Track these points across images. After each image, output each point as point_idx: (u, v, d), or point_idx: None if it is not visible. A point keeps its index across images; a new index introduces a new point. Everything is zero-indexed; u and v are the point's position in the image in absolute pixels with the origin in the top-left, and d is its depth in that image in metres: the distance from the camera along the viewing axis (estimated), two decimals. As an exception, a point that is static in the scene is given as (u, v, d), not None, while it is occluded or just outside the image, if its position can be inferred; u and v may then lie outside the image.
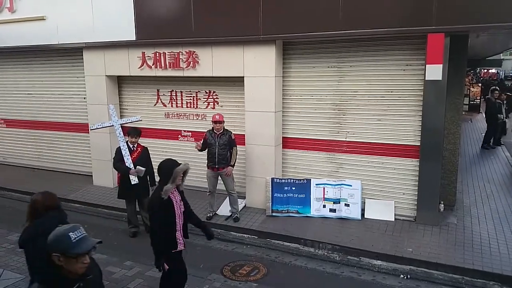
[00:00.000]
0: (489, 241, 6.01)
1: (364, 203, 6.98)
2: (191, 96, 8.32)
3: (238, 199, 7.17)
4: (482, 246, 5.85)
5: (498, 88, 14.18)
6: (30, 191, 8.78)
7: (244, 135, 7.49)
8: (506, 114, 12.96)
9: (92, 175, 9.18)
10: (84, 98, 9.12)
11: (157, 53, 7.89)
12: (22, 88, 10.30)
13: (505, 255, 5.58)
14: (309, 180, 7.15)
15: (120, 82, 8.93)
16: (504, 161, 10.93)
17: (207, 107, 8.20)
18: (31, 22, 9.01)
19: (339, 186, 7.00)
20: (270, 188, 7.13)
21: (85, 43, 8.50)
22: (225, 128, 6.89)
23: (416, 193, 6.59)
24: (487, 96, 12.93)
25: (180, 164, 4.01)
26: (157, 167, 4.05)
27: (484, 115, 13.25)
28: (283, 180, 7.22)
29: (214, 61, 7.44)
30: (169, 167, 3.96)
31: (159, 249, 4.01)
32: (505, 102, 13.01)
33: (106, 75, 8.55)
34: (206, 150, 6.85)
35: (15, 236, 6.65)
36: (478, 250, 5.74)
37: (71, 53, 9.17)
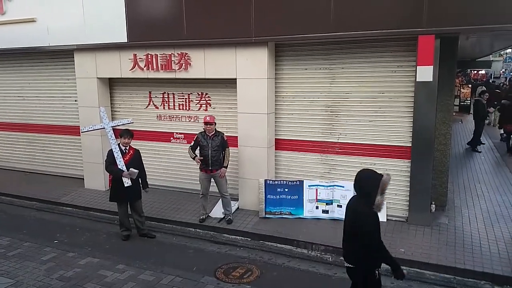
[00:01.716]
0: (480, 240, 6.06)
1: (357, 204, 7.00)
2: (183, 98, 8.30)
3: (231, 201, 7.16)
4: (473, 245, 5.90)
5: (485, 88, 14.32)
6: (21, 194, 8.74)
7: (237, 137, 7.49)
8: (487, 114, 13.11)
9: (83, 178, 9.11)
10: (75, 100, 9.06)
11: (149, 55, 7.87)
12: (13, 91, 10.21)
13: (495, 255, 5.63)
14: (301, 182, 7.16)
15: (112, 84, 8.88)
16: (494, 161, 11.04)
17: (199, 109, 8.18)
18: (21, 24, 8.93)
19: (332, 187, 7.02)
20: (263, 190, 7.13)
21: (76, 45, 8.44)
22: (217, 129, 6.88)
23: (408, 194, 6.63)
24: (476, 98, 13.01)
25: (382, 174, 3.62)
26: (356, 179, 3.68)
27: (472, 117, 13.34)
28: (276, 182, 7.22)
29: (206, 63, 7.44)
30: (375, 178, 3.56)
31: (391, 258, 3.71)
32: (485, 102, 13.16)
33: (97, 77, 8.50)
34: (199, 152, 6.83)
35: (5, 241, 6.59)
36: (469, 250, 5.79)
37: (62, 55, 9.11)
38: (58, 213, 8.01)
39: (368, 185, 3.56)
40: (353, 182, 6.93)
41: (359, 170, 3.80)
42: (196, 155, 6.74)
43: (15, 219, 7.73)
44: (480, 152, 12.08)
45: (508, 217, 6.98)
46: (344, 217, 3.92)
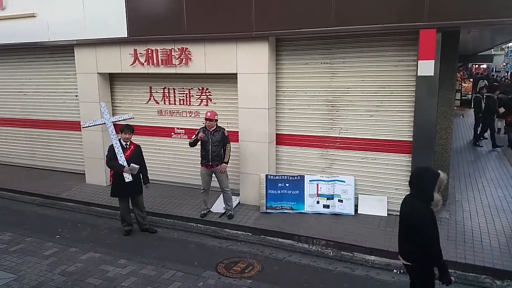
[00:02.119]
0: (480, 235, 6.07)
1: (358, 199, 7.01)
2: (184, 93, 8.29)
3: (232, 196, 7.17)
4: (474, 240, 5.90)
5: (487, 82, 14.12)
6: (22, 190, 8.76)
7: (237, 132, 7.48)
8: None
9: (84, 174, 9.12)
10: (76, 96, 9.05)
11: (149, 50, 7.85)
12: (13, 86, 10.20)
13: (496, 249, 5.64)
14: (302, 177, 7.17)
15: (112, 79, 8.86)
16: (495, 155, 11.03)
17: (200, 104, 8.17)
18: (21, 19, 8.91)
19: (333, 182, 7.02)
20: (264, 185, 7.14)
21: (76, 40, 8.42)
22: (218, 125, 6.87)
23: (409, 189, 6.63)
24: (487, 94, 12.70)
25: (438, 172, 3.62)
26: (414, 176, 3.69)
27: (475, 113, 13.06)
28: (277, 177, 7.23)
29: (206, 58, 7.41)
30: (433, 175, 3.58)
31: (443, 262, 3.69)
32: (485, 96, 13.03)
33: (98, 73, 8.49)
34: (200, 147, 6.82)
35: (7, 236, 6.61)
36: (470, 244, 5.80)
37: (62, 51, 9.09)
38: (60, 208, 8.03)
39: (426, 183, 3.57)
40: (350, 177, 7.02)
41: (416, 167, 3.79)
42: (197, 135, 6.69)
43: (17, 214, 7.75)
44: (481, 146, 12.04)
45: (509, 211, 6.99)
46: (399, 216, 3.92)
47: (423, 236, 3.57)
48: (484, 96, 12.65)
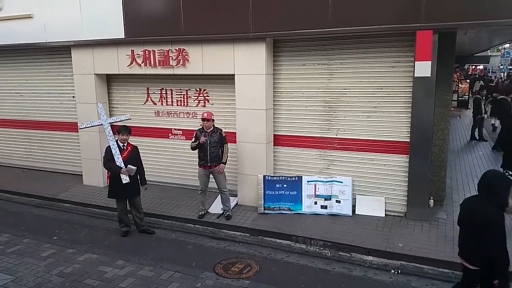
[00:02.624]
0: (477, 235, 6.08)
1: (355, 199, 7.03)
2: (181, 94, 8.29)
3: (230, 197, 7.17)
4: (471, 240, 5.92)
5: (483, 83, 14.19)
6: (20, 191, 8.73)
7: (235, 133, 7.49)
8: (485, 109, 12.92)
9: (82, 175, 9.11)
10: (73, 97, 9.03)
11: (147, 51, 7.84)
12: (11, 88, 10.17)
13: (493, 249, 5.66)
14: (300, 177, 7.18)
15: (109, 80, 8.85)
16: (492, 156, 11.07)
17: (197, 105, 8.17)
18: (18, 20, 8.88)
19: (330, 183, 7.04)
20: (262, 186, 7.14)
21: (74, 41, 8.41)
22: (215, 126, 6.88)
23: (406, 189, 6.65)
24: (500, 96, 12.62)
25: (510, 178, 3.62)
26: (486, 179, 3.64)
27: (487, 115, 13.00)
28: (275, 178, 7.24)
29: (204, 59, 7.42)
30: (507, 181, 3.56)
31: (504, 271, 3.56)
32: (484, 97, 13.06)
33: (95, 74, 8.47)
34: (198, 148, 6.82)
35: (4, 237, 6.59)
36: (467, 244, 5.81)
37: (59, 52, 9.07)
38: (57, 209, 8.01)
39: (499, 186, 3.54)
40: (347, 178, 7.00)
41: (488, 171, 3.76)
42: (198, 139, 6.65)
43: (14, 215, 7.72)
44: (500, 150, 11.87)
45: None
46: (461, 219, 3.86)
47: (487, 237, 3.50)
48: (494, 99, 12.68)
